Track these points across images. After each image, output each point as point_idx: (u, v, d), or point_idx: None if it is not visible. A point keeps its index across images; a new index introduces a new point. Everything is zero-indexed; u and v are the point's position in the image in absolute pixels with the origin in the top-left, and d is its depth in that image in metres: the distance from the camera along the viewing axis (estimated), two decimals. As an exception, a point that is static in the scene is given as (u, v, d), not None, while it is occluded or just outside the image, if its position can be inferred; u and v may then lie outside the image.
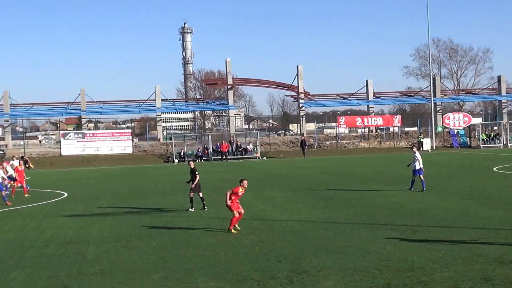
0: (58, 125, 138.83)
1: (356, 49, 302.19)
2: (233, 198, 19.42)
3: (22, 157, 53.02)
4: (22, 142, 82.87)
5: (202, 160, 66.82)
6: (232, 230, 19.23)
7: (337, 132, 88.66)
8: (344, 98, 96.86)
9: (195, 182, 24.76)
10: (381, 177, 38.16)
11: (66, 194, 32.79)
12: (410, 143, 77.63)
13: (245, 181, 19.81)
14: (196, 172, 24.89)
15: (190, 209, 24.40)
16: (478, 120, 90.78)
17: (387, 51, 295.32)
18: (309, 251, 15.95)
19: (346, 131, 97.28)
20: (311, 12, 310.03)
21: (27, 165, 48.49)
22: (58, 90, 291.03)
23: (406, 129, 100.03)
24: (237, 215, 19.33)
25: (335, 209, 23.92)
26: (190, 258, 15.53)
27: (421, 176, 29.13)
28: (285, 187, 33.49)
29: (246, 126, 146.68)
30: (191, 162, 26.30)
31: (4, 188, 29.78)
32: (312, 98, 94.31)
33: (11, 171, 32.80)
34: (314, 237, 18.02)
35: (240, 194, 19.67)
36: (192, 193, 24.71)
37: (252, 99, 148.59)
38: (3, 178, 30.17)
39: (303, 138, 74.34)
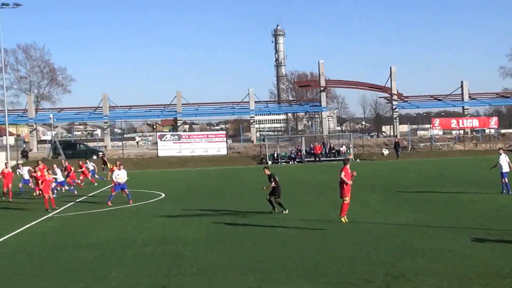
0: (154, 127, 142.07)
1: (451, 50, 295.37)
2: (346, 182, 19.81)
3: (102, 158, 54.96)
4: (120, 143, 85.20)
5: (295, 162, 66.86)
6: (343, 219, 19.38)
7: (431, 134, 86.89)
8: (438, 100, 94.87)
9: (271, 187, 24.54)
10: (476, 180, 37.14)
11: (163, 195, 33.49)
12: (507, 145, 75.19)
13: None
14: (272, 179, 24.65)
15: (284, 211, 24.43)
16: None
17: (483, 52, 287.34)
18: (405, 254, 15.72)
19: (440, 132, 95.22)
20: (400, 13, 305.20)
21: (105, 165, 50.12)
22: (155, 93, 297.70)
23: (503, 131, 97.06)
24: (348, 201, 19.49)
25: (430, 212, 23.49)
26: (286, 260, 15.58)
27: (505, 179, 28.73)
28: (379, 189, 33.12)
29: (339, 128, 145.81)
30: (266, 169, 25.87)
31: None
32: (405, 99, 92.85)
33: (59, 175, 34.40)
34: (409, 240, 17.75)
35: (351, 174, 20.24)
36: (272, 198, 24.61)
37: (344, 101, 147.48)
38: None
39: (397, 140, 73.26)
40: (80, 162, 43.75)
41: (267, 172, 25.15)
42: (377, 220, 21.97)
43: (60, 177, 34.70)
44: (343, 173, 20.90)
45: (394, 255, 15.76)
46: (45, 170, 30.97)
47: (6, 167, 34.59)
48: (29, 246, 19.38)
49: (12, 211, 28.90)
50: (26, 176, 36.19)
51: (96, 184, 42.20)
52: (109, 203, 29.40)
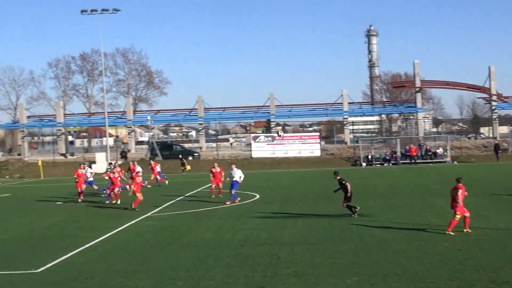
0: (247, 128, 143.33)
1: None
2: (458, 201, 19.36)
3: (181, 159, 56.02)
4: (214, 145, 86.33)
5: (390, 164, 65.96)
6: (451, 232, 19.11)
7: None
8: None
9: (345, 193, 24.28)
10: None
11: (258, 196, 33.73)
12: None
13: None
14: (344, 182, 24.38)
15: (353, 215, 24.07)
16: None
17: None
18: (509, 261, 15.27)
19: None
20: (500, 11, 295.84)
21: (183, 167, 50.71)
22: (248, 95, 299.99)
23: None
24: (458, 218, 19.18)
25: (535, 218, 22.73)
26: (384, 264, 15.42)
27: None
28: (479, 193, 32.18)
29: (434, 129, 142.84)
30: (337, 175, 25.45)
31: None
32: (505, 100, 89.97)
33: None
34: (512, 246, 17.24)
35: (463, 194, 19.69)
36: (345, 204, 24.39)
37: (440, 102, 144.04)
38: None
39: (497, 142, 71.10)
40: (152, 163, 44.36)
41: (338, 177, 24.82)
42: (478, 224, 21.35)
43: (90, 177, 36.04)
44: (459, 194, 19.76)
45: (497, 261, 15.33)
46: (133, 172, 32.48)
47: (81, 168, 35.15)
48: (130, 244, 19.94)
49: (111, 210, 29.76)
50: (91, 178, 36.49)
51: (166, 183, 42.87)
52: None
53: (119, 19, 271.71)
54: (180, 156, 63.18)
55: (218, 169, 33.23)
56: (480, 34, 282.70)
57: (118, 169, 35.70)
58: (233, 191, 30.30)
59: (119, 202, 31.86)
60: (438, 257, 16.00)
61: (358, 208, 24.49)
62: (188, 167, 60.23)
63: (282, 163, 66.65)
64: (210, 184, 34.28)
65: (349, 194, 24.39)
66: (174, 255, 17.73)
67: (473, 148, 75.19)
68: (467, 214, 19.76)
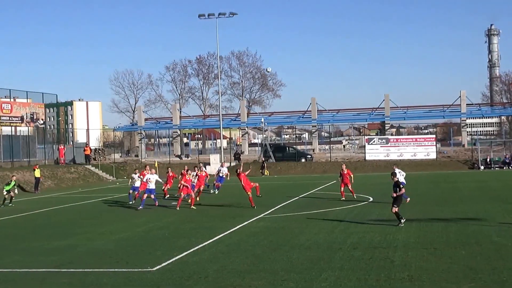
0: (361, 130, 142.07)
1: None
2: None
3: (262, 162, 55.74)
4: (327, 147, 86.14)
5: (510, 167, 63.62)
6: None
7: None
8: None
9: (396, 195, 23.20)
10: None
11: (371, 199, 33.32)
12: None
13: None
14: (400, 186, 23.38)
15: (400, 224, 22.94)
16: None
17: None
18: None
19: None
20: None
21: (262, 170, 50.14)
22: (363, 96, 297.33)
23: None
24: None
25: None
26: (502, 270, 14.85)
27: None
28: None
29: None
30: (393, 176, 24.47)
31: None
32: None
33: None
34: None
35: None
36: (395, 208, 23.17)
37: None
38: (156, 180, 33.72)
39: None
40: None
41: (395, 179, 23.88)
42: None
43: (138, 183, 35.40)
44: None
45: None
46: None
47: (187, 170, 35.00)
48: (243, 245, 20.14)
49: (224, 211, 30.20)
50: (137, 183, 35.55)
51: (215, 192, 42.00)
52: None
53: (235, 22, 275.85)
54: (263, 159, 63.56)
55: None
56: None
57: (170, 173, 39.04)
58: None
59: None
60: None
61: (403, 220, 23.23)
62: (267, 172, 60.71)
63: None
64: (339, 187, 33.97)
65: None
66: (286, 256, 17.75)
67: None
68: None
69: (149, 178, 32.99)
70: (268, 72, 58.56)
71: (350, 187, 33.30)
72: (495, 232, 20.66)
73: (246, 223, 25.40)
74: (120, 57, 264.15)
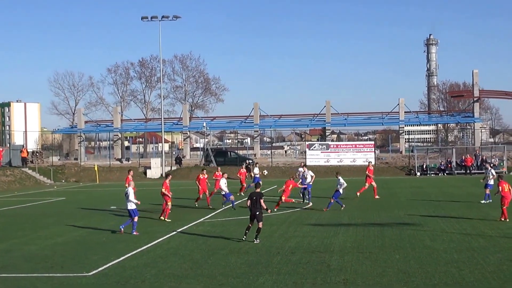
0: (302, 136, 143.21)
1: None
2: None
3: (247, 165, 55.46)
4: (269, 152, 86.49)
5: (445, 174, 65.06)
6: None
7: None
8: None
9: None
10: None
11: (311, 203, 33.62)
12: None
13: None
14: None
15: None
16: None
17: None
18: None
19: None
20: None
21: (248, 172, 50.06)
22: (304, 102, 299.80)
23: None
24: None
25: None
26: (434, 274, 15.29)
27: (488, 189, 32.26)
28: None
29: (492, 140, 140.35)
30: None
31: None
32: None
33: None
34: None
35: None
36: None
37: (498, 112, 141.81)
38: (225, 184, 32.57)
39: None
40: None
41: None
42: (532, 236, 21.02)
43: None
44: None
45: (551, 273, 15.04)
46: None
47: (203, 174, 33.94)
48: (181, 249, 20.16)
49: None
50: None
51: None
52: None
53: (178, 26, 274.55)
54: (247, 162, 63.42)
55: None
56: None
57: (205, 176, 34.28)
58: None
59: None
60: (490, 268, 15.76)
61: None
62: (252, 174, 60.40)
63: (336, 171, 66.24)
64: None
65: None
66: (224, 260, 17.85)
67: (533, 159, 73.46)
68: None
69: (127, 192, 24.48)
70: None
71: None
72: (428, 237, 21.19)
73: (185, 227, 25.41)
74: (60, 58, 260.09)
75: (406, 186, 46.82)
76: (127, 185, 25.85)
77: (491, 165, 33.75)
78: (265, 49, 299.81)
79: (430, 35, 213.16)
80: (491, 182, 32.46)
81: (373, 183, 37.49)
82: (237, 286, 14.70)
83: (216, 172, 37.83)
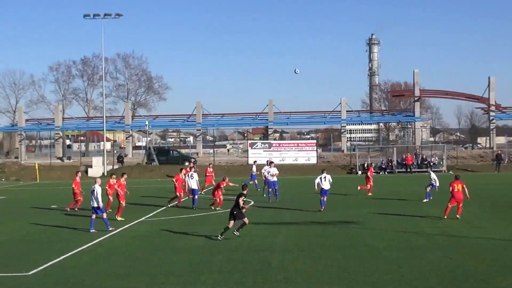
0: (245, 135, 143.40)
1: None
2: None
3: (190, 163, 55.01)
4: (211, 151, 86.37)
5: (386, 172, 66.05)
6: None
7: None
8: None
9: None
10: None
11: (252, 202, 33.69)
12: None
13: None
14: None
15: None
16: None
17: None
18: (500, 270, 15.34)
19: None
20: (502, 22, 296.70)
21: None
22: (247, 101, 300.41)
23: None
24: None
25: (528, 228, 22.79)
26: (374, 272, 15.48)
27: (429, 188, 33.36)
28: (473, 203, 32.28)
29: (432, 139, 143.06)
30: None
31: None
32: (503, 110, 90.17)
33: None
34: (505, 256, 17.27)
35: None
36: None
37: (438, 111, 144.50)
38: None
39: (499, 152, 71.22)
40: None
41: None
42: (471, 234, 21.48)
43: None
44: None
45: (488, 270, 15.40)
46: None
47: (182, 173, 33.38)
48: (123, 248, 19.98)
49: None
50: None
51: None
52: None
53: (121, 24, 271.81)
54: (192, 161, 63.06)
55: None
56: (480, 45, 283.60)
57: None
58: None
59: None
60: (429, 266, 16.05)
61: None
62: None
63: (278, 169, 66.53)
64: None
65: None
66: (166, 259, 17.76)
67: (470, 158, 75.23)
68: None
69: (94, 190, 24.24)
70: (296, 73, 57.25)
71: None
72: (369, 235, 21.46)
73: (127, 226, 25.18)
74: (0, 56, 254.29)
75: (347, 185, 47.27)
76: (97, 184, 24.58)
77: (432, 169, 34.45)
78: (208, 48, 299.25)
79: (372, 34, 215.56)
80: (435, 183, 33.30)
81: (371, 183, 38.39)
82: (178, 285, 14.65)
83: (208, 168, 38.93)
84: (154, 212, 29.95)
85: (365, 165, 66.97)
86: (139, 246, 20.30)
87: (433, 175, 33.66)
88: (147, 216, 28.46)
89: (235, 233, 21.26)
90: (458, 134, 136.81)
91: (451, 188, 25.71)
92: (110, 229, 23.79)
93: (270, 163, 37.21)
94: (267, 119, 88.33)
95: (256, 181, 42.20)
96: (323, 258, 17.41)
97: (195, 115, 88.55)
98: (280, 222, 25.44)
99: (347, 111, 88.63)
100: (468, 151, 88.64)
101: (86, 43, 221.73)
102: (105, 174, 60.13)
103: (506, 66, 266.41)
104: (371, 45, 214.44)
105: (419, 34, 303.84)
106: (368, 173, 39.28)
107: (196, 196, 32.05)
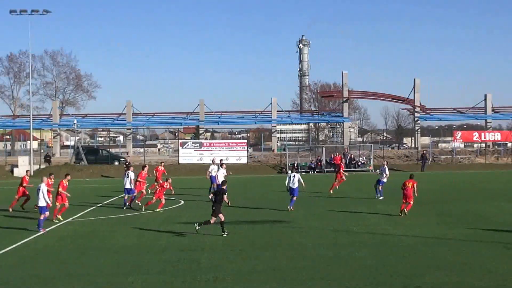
0: (176, 134, 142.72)
1: (475, 63, 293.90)
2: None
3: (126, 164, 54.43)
4: (142, 150, 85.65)
5: (315, 172, 66.78)
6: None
7: (453, 146, 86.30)
8: (461, 112, 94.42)
9: None
10: (500, 194, 36.91)
11: (182, 202, 33.63)
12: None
13: None
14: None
15: None
16: None
17: (508, 65, 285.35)
18: (423, 267, 15.75)
19: (462, 145, 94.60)
20: (427, 26, 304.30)
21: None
22: (178, 101, 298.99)
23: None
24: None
25: (452, 225, 23.43)
26: (302, 270, 15.67)
27: (380, 186, 34.02)
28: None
29: (360, 139, 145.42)
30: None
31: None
32: (428, 111, 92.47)
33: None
34: (428, 253, 17.75)
35: None
36: None
37: (366, 112, 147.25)
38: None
39: (424, 152, 72.96)
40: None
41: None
42: (397, 232, 21.96)
43: None
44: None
45: (411, 267, 15.79)
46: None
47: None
48: (50, 249, 19.64)
49: (33, 215, 29.16)
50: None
51: None
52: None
53: (49, 20, 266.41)
54: (127, 161, 62.21)
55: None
56: (406, 47, 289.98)
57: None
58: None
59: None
60: (355, 263, 16.35)
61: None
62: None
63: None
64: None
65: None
66: (94, 260, 17.55)
67: (396, 157, 76.83)
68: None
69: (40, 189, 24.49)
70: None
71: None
72: (298, 234, 21.70)
73: (54, 227, 24.73)
74: None
75: (276, 184, 47.58)
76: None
77: (387, 162, 35.02)
78: (139, 45, 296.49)
79: (302, 36, 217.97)
80: (384, 179, 34.16)
81: (344, 178, 39.49)
82: (106, 286, 14.51)
83: (160, 167, 38.51)
84: (82, 213, 29.48)
85: (295, 164, 67.66)
86: (67, 247, 19.99)
87: (386, 171, 34.46)
88: (75, 216, 27.98)
89: (223, 234, 21.58)
90: (385, 134, 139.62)
91: (403, 185, 27.12)
92: (41, 232, 23.23)
93: (221, 164, 37.47)
94: (198, 119, 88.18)
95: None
96: (252, 257, 17.52)
97: (125, 114, 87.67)
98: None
99: (277, 111, 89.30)
100: (395, 151, 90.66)
101: (12, 39, 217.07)
102: (32, 174, 58.79)
103: (431, 68, 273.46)
104: (301, 46, 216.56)
105: (349, 36, 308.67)
106: (340, 169, 39.99)
107: (126, 196, 31.70)
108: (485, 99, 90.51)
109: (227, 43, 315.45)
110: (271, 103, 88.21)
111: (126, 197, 31.64)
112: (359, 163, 69.03)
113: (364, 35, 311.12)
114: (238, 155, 71.35)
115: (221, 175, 34.59)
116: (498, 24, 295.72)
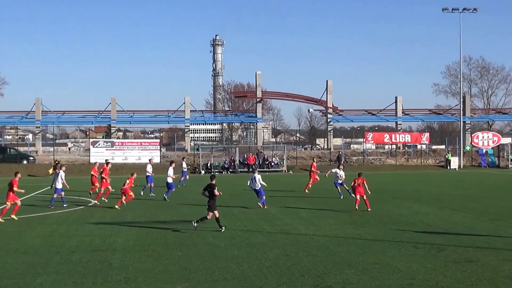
0: (87, 133, 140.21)
1: (386, 66, 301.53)
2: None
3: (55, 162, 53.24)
4: (52, 149, 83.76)
5: (229, 172, 66.96)
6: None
7: (364, 148, 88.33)
8: (373, 114, 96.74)
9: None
10: (410, 194, 37.93)
11: (93, 202, 33.06)
12: (437, 161, 77.59)
13: None
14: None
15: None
16: (507, 140, 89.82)
17: (418, 68, 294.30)
18: (334, 266, 15.95)
19: (373, 147, 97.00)
20: (341, 28, 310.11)
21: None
22: (89, 99, 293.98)
23: (434, 147, 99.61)
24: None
25: (362, 225, 23.84)
26: (214, 270, 15.62)
27: (338, 188, 34.80)
28: (312, 201, 33.45)
29: (273, 139, 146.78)
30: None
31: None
32: (340, 113, 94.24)
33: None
34: (339, 253, 18.00)
35: None
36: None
37: (280, 113, 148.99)
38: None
39: (340, 153, 74.27)
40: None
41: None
42: (309, 231, 22.19)
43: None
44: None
45: (322, 266, 15.96)
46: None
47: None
48: (-48, 251, 18.90)
49: None
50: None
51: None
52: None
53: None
54: (57, 160, 60.40)
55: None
56: (320, 49, 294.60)
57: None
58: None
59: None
60: (268, 263, 16.42)
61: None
62: (50, 171, 57.72)
63: (121, 169, 65.68)
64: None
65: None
66: (1, 261, 16.97)
67: (309, 158, 77.81)
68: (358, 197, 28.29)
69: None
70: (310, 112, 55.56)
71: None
72: (211, 234, 21.63)
73: (-43, 228, 23.82)
74: None
75: (191, 185, 47.43)
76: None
77: (340, 167, 35.35)
78: (47, 41, 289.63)
79: (216, 35, 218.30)
80: (340, 181, 34.65)
81: (317, 177, 40.65)
82: (13, 288, 14.08)
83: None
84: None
85: (208, 164, 67.51)
86: (-29, 248, 19.28)
87: (340, 173, 34.68)
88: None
89: (221, 229, 21.96)
90: (298, 135, 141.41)
91: (352, 182, 28.84)
92: None
93: (171, 162, 38.25)
94: (110, 118, 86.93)
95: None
96: (163, 257, 17.35)
97: (34, 112, 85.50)
98: (121, 222, 25.06)
99: (191, 110, 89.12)
100: (308, 151, 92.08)
101: None
102: None
103: (343, 70, 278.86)
104: (215, 46, 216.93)
105: (263, 37, 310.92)
106: (312, 168, 40.96)
107: (56, 195, 31.08)
108: (396, 102, 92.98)
109: (138, 41, 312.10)
110: (184, 103, 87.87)
111: (55, 196, 31.17)
112: (273, 164, 69.64)
113: (278, 36, 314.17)
114: (151, 154, 70.64)
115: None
116: (406, 27, 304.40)
